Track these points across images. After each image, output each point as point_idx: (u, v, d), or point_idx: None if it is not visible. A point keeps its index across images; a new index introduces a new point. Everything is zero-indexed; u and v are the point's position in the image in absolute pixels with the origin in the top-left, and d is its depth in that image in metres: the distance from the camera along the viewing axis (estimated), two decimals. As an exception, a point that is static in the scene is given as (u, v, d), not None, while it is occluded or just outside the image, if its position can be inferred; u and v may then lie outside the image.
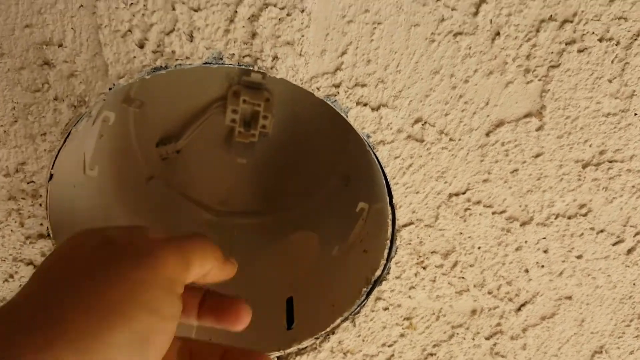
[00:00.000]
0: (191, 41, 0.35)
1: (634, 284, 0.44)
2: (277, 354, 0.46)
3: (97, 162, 0.47)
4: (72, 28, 0.35)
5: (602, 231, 0.41)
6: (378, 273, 0.43)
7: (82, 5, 0.34)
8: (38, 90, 0.37)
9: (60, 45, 0.35)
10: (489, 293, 0.43)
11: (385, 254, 0.42)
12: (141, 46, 0.35)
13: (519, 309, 0.44)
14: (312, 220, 0.59)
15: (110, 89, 0.36)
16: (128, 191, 0.53)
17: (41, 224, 0.41)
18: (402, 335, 0.45)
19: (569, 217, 0.41)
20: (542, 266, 0.42)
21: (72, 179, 0.44)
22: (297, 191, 0.64)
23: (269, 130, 0.61)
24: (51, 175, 0.39)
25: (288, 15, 0.34)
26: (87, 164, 0.46)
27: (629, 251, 0.43)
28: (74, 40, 0.35)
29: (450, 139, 0.38)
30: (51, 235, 0.42)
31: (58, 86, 0.37)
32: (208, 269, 0.28)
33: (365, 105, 0.37)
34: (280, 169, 0.64)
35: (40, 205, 0.40)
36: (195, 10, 0.34)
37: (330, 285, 0.49)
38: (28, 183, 0.39)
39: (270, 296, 0.52)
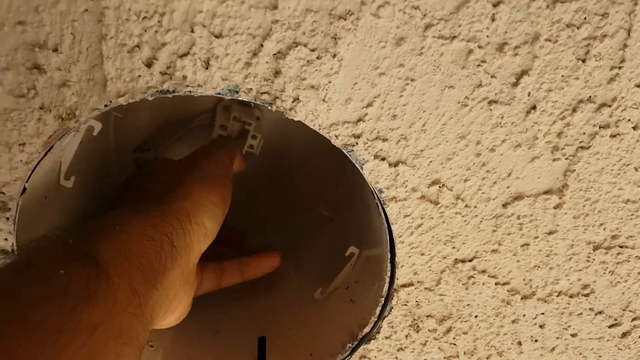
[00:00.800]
0: (207, 69, 0.32)
1: (621, 366, 0.44)
2: None
3: (73, 172, 0.43)
4: (71, 33, 0.31)
5: (600, 312, 0.41)
6: (367, 330, 0.41)
7: (87, 10, 0.31)
8: (22, 96, 0.33)
9: (55, 50, 0.32)
10: (478, 362, 0.42)
11: (378, 312, 0.40)
12: (148, 65, 0.32)
13: (505, 380, 0.43)
14: (291, 254, 0.56)
15: (106, 105, 0.33)
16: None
17: (5, 239, 0.37)
18: (382, 394, 0.43)
19: (571, 296, 0.40)
20: (536, 340, 0.41)
21: (43, 190, 0.40)
22: (277, 220, 0.60)
23: (257, 152, 0.58)
24: (24, 189, 0.35)
25: (318, 58, 0.31)
26: (63, 173, 0.41)
27: (624, 334, 0.42)
28: (72, 47, 0.32)
29: (466, 206, 0.36)
30: (15, 252, 0.38)
31: (46, 94, 0.33)
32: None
33: (383, 159, 0.34)
34: (262, 194, 0.61)
35: (7, 219, 0.36)
36: (217, 37, 0.31)
37: (310, 331, 0.46)
38: (-3, 196, 0.35)
39: (239, 332, 0.49)
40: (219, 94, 0.32)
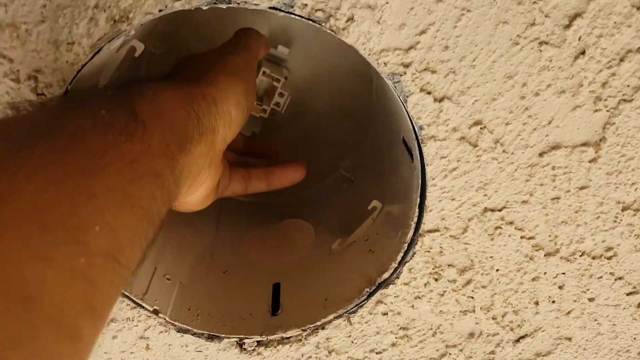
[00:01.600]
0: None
1: (634, 339, 0.44)
2: (258, 338, 0.43)
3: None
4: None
5: (620, 278, 0.41)
6: (386, 275, 0.41)
7: None
8: None
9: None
10: (493, 319, 0.42)
11: (399, 257, 0.40)
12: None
13: (517, 341, 0.43)
14: (309, 211, 0.56)
15: (160, 10, 0.32)
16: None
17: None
18: (393, 344, 0.43)
19: (593, 257, 0.40)
20: (553, 302, 0.41)
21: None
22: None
23: (282, 110, 0.58)
24: (66, 91, 0.34)
25: (378, -25, 0.31)
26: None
27: None
28: None
29: (504, 151, 0.36)
30: None
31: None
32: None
33: (429, 93, 0.34)
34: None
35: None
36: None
37: (325, 279, 0.46)
38: (37, 95, 0.34)
39: (255, 279, 0.48)
40: (274, 7, 0.32)
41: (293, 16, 0.33)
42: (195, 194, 0.36)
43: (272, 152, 0.50)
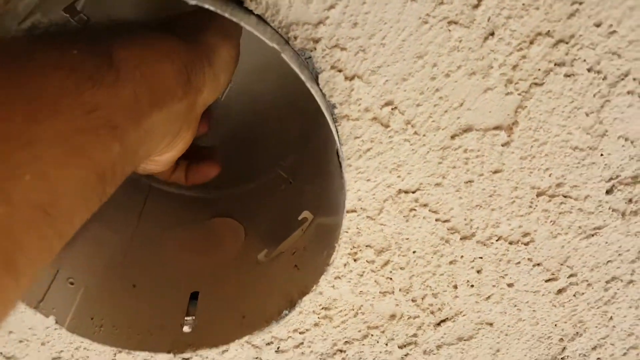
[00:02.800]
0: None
1: (555, 325, 0.44)
2: (167, 355, 0.42)
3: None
4: None
5: (538, 264, 0.41)
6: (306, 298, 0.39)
7: None
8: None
9: None
10: (413, 301, 0.42)
11: (320, 281, 0.40)
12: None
13: (438, 324, 0.43)
14: (242, 210, 0.53)
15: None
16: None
17: None
18: (316, 324, 0.43)
19: (510, 242, 0.40)
20: (472, 286, 0.42)
21: None
22: (231, 174, 0.58)
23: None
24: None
25: (282, -52, 0.31)
26: None
27: (560, 291, 0.42)
28: None
29: (415, 133, 0.36)
30: None
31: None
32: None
33: (340, 71, 0.34)
34: (220, 144, 0.58)
35: None
36: None
37: (247, 294, 0.44)
38: None
39: (171, 288, 0.45)
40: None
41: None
42: (168, 154, 0.34)
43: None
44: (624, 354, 0.46)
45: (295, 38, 0.33)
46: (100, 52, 0.24)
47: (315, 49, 0.34)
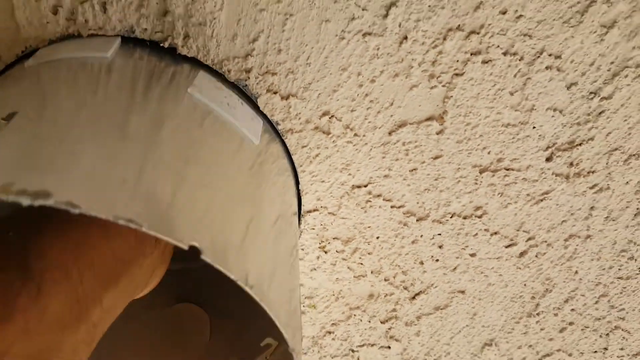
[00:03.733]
0: (104, 12, 0.35)
1: (524, 285, 0.48)
2: None
3: None
4: (-15, -15, 0.35)
5: (496, 233, 0.45)
6: None
7: (-5, -37, 0.35)
8: (-52, 44, 0.37)
9: (-29, 1, 0.36)
10: (385, 280, 0.47)
11: None
12: (54, 12, 0.36)
13: (413, 298, 0.47)
14: (208, 293, 0.45)
15: (22, 51, 0.37)
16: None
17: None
18: (303, 313, 0.48)
19: (465, 217, 0.44)
20: (437, 260, 0.46)
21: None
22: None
23: None
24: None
25: (199, -3, 0.35)
26: None
27: (521, 254, 0.46)
28: (-13, -3, 0.36)
29: (355, 134, 0.40)
30: None
31: (-31, 41, 0.37)
32: None
33: (275, 93, 0.38)
34: None
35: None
36: (108, -18, 0.34)
37: None
38: None
39: None
40: (119, 35, 0.36)
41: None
42: (148, 289, 0.33)
43: None
44: (596, 302, 0.49)
45: (229, 71, 0.37)
46: (14, 264, 0.20)
47: (248, 77, 0.38)
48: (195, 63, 0.37)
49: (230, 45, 0.37)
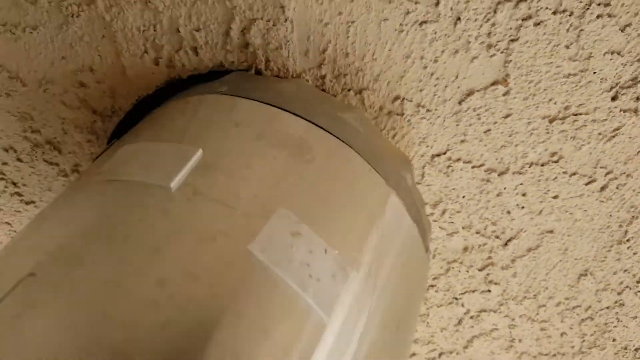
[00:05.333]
0: (196, 55, 0.43)
1: (610, 216, 0.52)
2: None
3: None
4: (98, 55, 0.44)
5: (574, 174, 0.49)
6: None
7: (104, 36, 0.43)
8: (78, 108, 0.46)
9: (90, 70, 0.44)
10: (477, 233, 0.52)
11: None
12: (156, 63, 0.44)
13: (505, 244, 0.53)
14: None
15: (136, 100, 0.45)
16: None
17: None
18: (406, 272, 0.55)
19: (542, 165, 0.48)
20: (522, 207, 0.50)
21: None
22: None
23: None
24: None
25: (274, 25, 0.41)
26: None
27: (602, 188, 0.50)
28: (102, 64, 0.44)
29: (427, 110, 0.45)
30: None
31: (94, 102, 0.46)
32: None
33: (349, 90, 0.44)
34: None
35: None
36: (197, 30, 0.41)
37: None
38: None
39: None
40: (211, 71, 0.44)
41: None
42: None
43: None
44: (686, 220, 0.51)
45: (307, 80, 0.44)
46: None
47: (324, 82, 0.44)
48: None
49: (304, 60, 0.43)
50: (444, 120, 0.46)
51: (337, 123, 0.39)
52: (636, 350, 0.62)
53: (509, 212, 0.51)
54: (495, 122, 0.46)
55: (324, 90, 0.44)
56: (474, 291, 0.56)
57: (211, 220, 0.29)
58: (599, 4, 0.40)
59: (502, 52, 0.42)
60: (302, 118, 0.36)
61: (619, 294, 0.57)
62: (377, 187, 0.38)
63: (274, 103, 0.36)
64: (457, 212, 0.51)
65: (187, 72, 0.43)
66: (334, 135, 0.37)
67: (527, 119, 0.45)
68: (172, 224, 0.28)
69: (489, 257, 0.54)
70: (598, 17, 0.40)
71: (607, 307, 0.58)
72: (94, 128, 0.47)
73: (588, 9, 0.40)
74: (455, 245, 0.53)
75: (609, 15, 0.40)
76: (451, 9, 0.40)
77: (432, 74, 0.43)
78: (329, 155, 0.36)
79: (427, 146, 0.47)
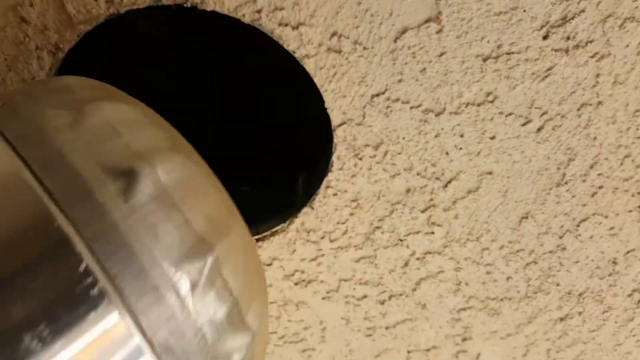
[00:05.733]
0: (133, -12, 0.43)
1: (548, 158, 0.53)
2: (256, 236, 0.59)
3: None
4: (37, -14, 0.44)
5: (510, 114, 0.50)
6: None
7: (41, -34, 0.43)
8: (21, 43, 0.47)
9: (31, 5, 0.45)
10: (418, 174, 0.54)
11: (327, 152, 0.53)
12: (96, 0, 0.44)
13: (445, 186, 0.54)
14: None
15: (77, 36, 0.46)
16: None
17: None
18: (351, 214, 0.57)
19: (478, 105, 0.49)
20: (460, 148, 0.52)
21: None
22: None
23: None
24: None
25: (206, -43, 0.41)
26: None
27: (538, 129, 0.51)
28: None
29: (364, 48, 0.46)
30: None
31: (36, 38, 0.47)
32: None
33: (286, 25, 0.45)
34: None
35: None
36: (131, -38, 0.42)
37: None
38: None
39: None
40: (150, 6, 0.44)
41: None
42: None
43: None
44: (621, 164, 0.53)
45: (244, 15, 0.45)
46: None
47: (261, 17, 0.45)
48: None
49: (240, -7, 0.44)
50: (381, 59, 0.47)
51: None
52: (580, 295, 0.65)
53: (447, 154, 0.52)
54: (430, 61, 0.47)
55: (260, 25, 0.45)
56: (417, 232, 0.58)
57: None
58: (525, -61, 0.41)
59: (434, -11, 0.43)
60: None
61: (560, 237, 0.59)
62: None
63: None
64: (398, 153, 0.52)
65: (125, 7, 0.44)
66: None
67: (461, 57, 0.47)
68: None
69: (431, 199, 0.56)
70: (525, -48, 0.41)
71: (550, 252, 0.60)
72: (40, 64, 0.48)
73: (515, -56, 0.41)
74: (397, 187, 0.55)
75: (535, -50, 0.41)
76: (381, -58, 0.41)
77: (366, 10, 0.44)
78: None
79: (367, 85, 0.48)
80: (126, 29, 0.64)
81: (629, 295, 0.65)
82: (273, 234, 0.59)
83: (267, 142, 0.72)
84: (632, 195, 0.57)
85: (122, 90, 0.36)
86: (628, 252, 0.61)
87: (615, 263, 0.62)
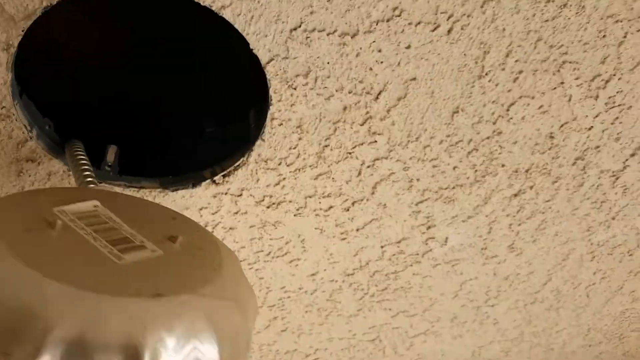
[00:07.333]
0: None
1: (464, 55, 0.59)
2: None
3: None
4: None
5: (419, 23, 0.55)
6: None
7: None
8: (-35, 42, 0.52)
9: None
10: (350, 92, 0.60)
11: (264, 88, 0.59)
12: (17, -11, 0.49)
13: (376, 98, 0.61)
14: None
15: (22, 30, 0.51)
16: None
17: None
18: (300, 138, 0.64)
19: (388, 20, 0.55)
20: (381, 62, 0.58)
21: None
22: None
23: None
24: None
25: None
26: None
27: (449, 32, 0.57)
28: (-30, -3, 0.50)
29: (271, -11, 0.51)
30: None
31: (-23, 34, 0.52)
32: None
33: None
34: None
35: None
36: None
37: None
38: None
39: None
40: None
41: None
42: None
43: None
44: (535, 48, 0.59)
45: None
46: None
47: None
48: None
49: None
50: (289, -4, 0.52)
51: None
52: (527, 171, 0.73)
53: (371, 69, 0.58)
54: (335, -11, 0.52)
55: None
56: (362, 144, 0.65)
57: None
58: None
59: None
60: None
61: (493, 123, 0.66)
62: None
63: None
64: (327, 77, 0.59)
65: (47, -7, 0.49)
66: None
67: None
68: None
69: (367, 112, 0.62)
70: None
71: (488, 137, 0.68)
72: (-13, 60, 0.54)
73: None
74: (334, 107, 0.61)
75: None
76: None
77: None
78: None
79: (283, 22, 0.54)
80: (61, 16, 0.69)
81: (573, 164, 0.73)
82: (236, 169, 0.67)
83: (211, 90, 0.78)
84: (553, 74, 0.63)
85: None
86: (562, 125, 0.68)
87: (552, 137, 0.69)
